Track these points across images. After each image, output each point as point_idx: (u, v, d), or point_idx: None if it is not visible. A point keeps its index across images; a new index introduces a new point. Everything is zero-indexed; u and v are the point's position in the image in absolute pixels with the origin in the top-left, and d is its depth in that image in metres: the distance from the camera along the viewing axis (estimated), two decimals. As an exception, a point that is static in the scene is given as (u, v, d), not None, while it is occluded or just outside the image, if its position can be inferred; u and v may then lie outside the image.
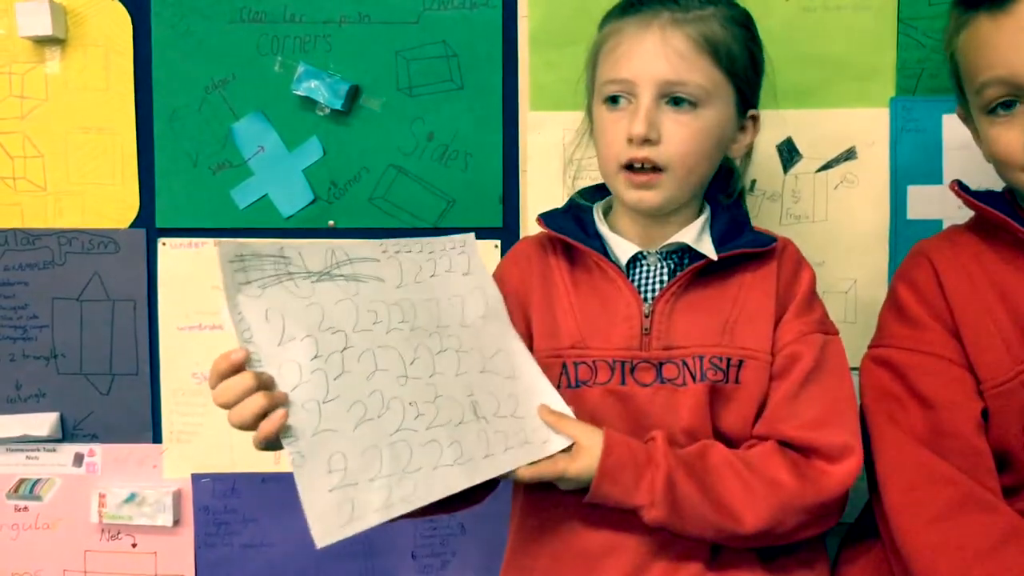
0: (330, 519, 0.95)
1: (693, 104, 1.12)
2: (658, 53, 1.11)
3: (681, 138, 1.12)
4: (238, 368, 0.95)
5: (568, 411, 1.13)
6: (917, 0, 1.47)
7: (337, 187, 1.58)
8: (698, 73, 1.12)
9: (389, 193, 1.57)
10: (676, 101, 1.12)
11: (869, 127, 1.50)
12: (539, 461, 1.08)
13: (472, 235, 1.22)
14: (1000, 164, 1.12)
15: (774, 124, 1.50)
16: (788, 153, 1.52)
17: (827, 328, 1.20)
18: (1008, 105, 1.08)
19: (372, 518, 0.96)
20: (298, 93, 1.54)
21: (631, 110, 1.13)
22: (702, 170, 1.17)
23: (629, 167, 1.15)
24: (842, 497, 1.11)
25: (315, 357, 0.99)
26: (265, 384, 0.95)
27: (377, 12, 1.55)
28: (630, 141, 1.12)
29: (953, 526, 1.05)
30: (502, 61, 1.55)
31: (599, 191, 1.29)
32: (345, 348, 1.02)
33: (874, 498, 1.15)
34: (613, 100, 1.16)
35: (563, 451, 1.09)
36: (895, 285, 1.22)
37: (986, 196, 1.16)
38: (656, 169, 1.14)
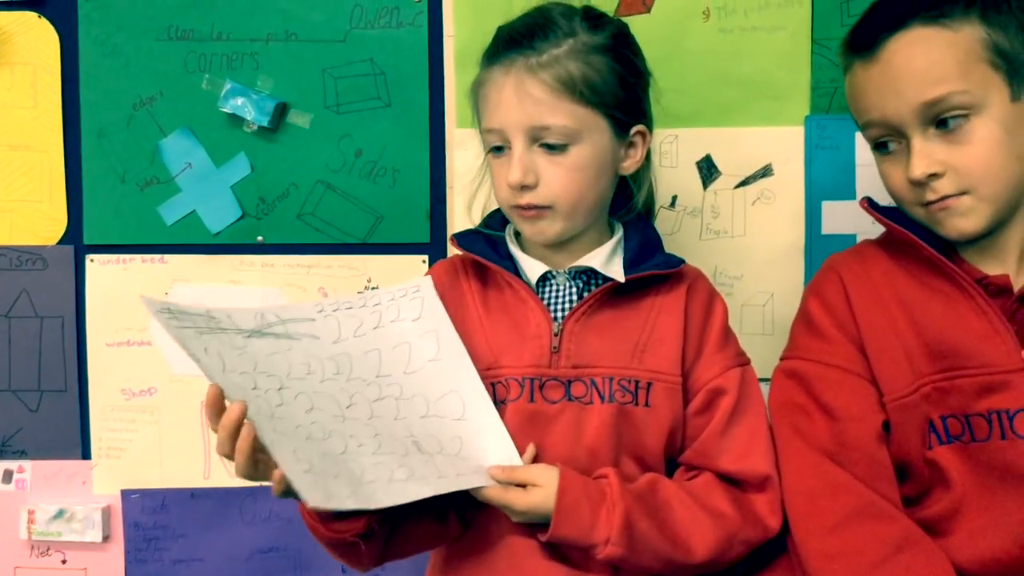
0: (313, 492, 0.95)
1: (563, 145, 1.12)
2: (518, 102, 1.11)
3: (558, 178, 1.12)
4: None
5: (515, 455, 1.11)
6: (830, 21, 1.48)
7: (265, 203, 1.56)
8: (560, 115, 1.11)
9: (318, 209, 1.55)
10: (547, 144, 1.12)
11: (785, 145, 1.50)
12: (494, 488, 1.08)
13: (428, 279, 1.22)
14: (893, 197, 1.15)
15: (694, 141, 1.51)
16: (707, 170, 1.52)
17: (742, 360, 1.21)
18: (888, 144, 1.11)
19: (348, 503, 0.97)
20: (225, 110, 1.52)
21: (509, 157, 1.13)
22: (589, 200, 1.16)
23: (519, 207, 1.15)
24: (780, 528, 1.13)
25: (254, 388, 1.02)
26: None
27: (304, 30, 1.53)
28: (512, 187, 1.13)
29: (851, 534, 1.05)
30: (428, 79, 1.53)
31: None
32: (281, 388, 1.05)
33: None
34: (496, 148, 1.16)
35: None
36: (806, 298, 1.22)
37: (895, 213, 1.16)
38: (543, 207, 1.14)
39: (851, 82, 1.14)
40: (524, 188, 1.12)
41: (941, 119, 1.05)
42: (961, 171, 1.05)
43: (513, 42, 1.14)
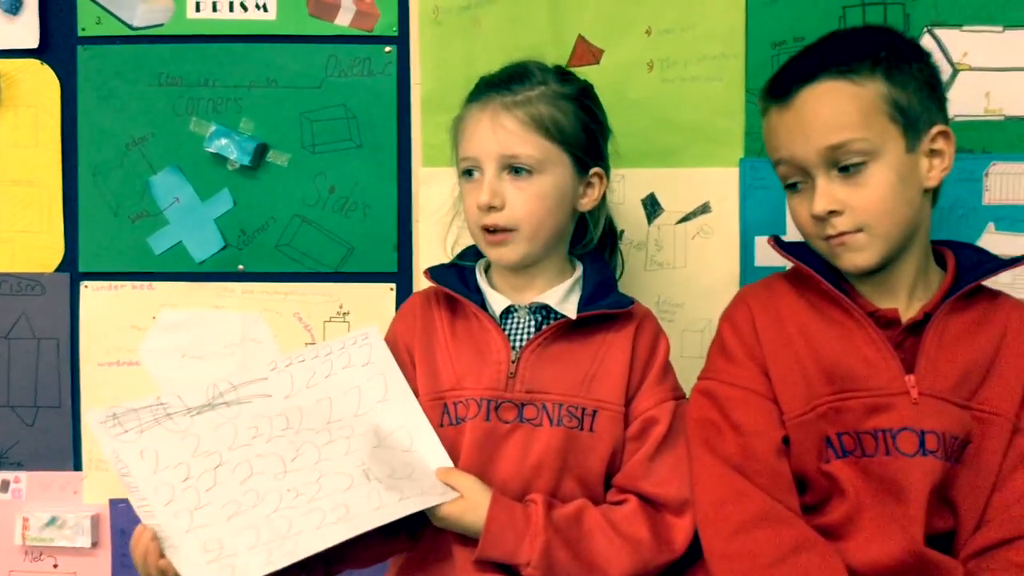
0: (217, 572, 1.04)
1: (529, 171, 1.21)
2: (492, 133, 1.21)
3: (522, 201, 1.21)
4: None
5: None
6: (762, 73, 1.51)
7: (246, 235, 1.63)
8: (528, 145, 1.20)
9: (294, 240, 1.62)
10: (514, 170, 1.21)
11: (721, 184, 1.57)
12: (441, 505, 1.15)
13: (375, 327, 1.29)
14: (799, 231, 1.22)
15: (639, 181, 1.59)
16: (651, 207, 1.59)
17: (678, 394, 1.28)
18: (797, 184, 1.18)
19: (256, 571, 1.04)
20: (210, 150, 1.59)
21: (480, 181, 1.22)
22: (549, 226, 1.24)
23: (487, 229, 1.23)
24: (685, 551, 1.20)
25: (186, 479, 1.10)
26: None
27: (283, 78, 1.61)
28: (480, 208, 1.22)
29: (751, 538, 1.11)
30: (396, 123, 1.61)
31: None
32: (219, 465, 1.13)
33: None
34: (467, 173, 1.25)
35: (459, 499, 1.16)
36: (720, 324, 1.29)
37: (799, 248, 1.24)
38: (507, 229, 1.22)
39: (767, 125, 1.21)
40: (491, 209, 1.21)
41: (843, 165, 1.12)
42: (857, 210, 1.12)
43: (492, 85, 1.25)
